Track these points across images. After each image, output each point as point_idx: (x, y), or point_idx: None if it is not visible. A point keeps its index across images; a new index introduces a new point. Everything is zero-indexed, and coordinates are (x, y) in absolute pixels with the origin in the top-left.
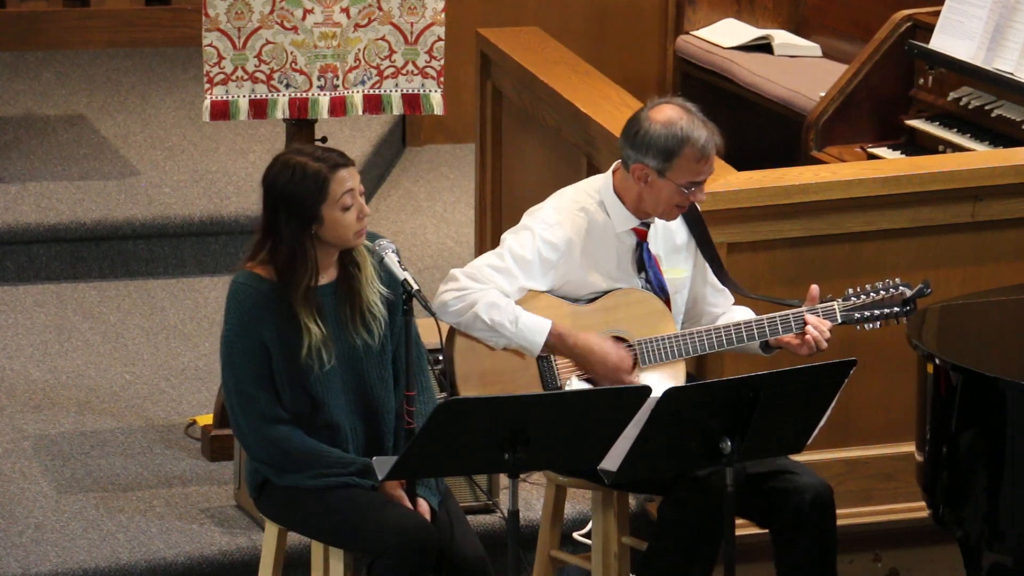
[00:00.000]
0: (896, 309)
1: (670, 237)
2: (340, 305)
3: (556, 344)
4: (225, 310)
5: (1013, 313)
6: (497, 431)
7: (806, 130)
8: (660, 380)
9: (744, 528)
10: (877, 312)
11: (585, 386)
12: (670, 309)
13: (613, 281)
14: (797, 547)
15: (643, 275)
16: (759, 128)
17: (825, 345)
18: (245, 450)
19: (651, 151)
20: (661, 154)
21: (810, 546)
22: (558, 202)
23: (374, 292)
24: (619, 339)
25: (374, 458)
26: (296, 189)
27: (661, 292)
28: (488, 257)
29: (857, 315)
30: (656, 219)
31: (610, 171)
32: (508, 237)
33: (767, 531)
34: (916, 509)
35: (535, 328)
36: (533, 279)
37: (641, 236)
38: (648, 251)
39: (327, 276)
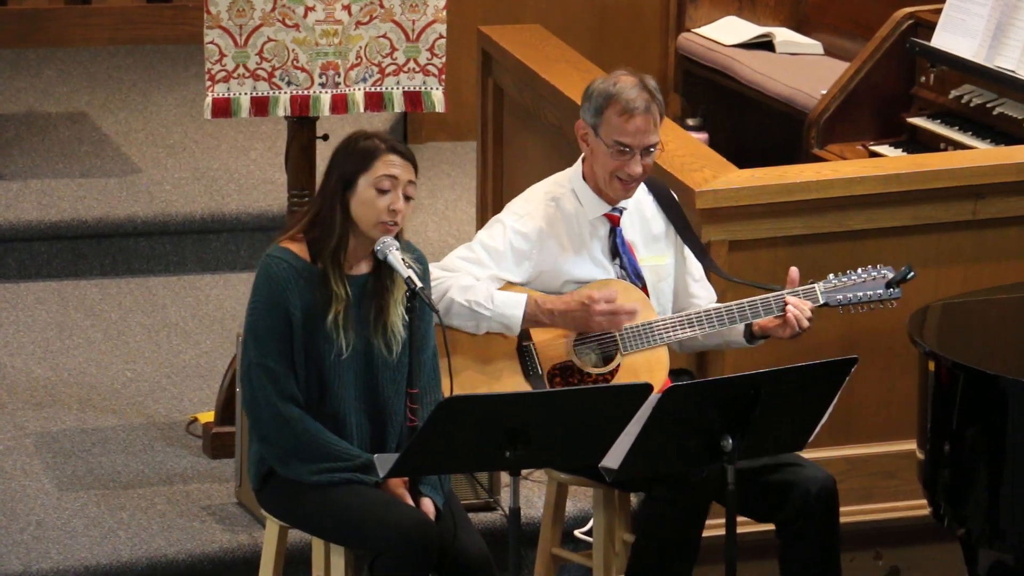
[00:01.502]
0: (880, 292)
1: (647, 226)
2: (365, 302)
3: (535, 314)
4: (254, 282)
5: (1014, 311)
6: (498, 429)
7: (807, 128)
8: (643, 366)
9: (745, 526)
10: (860, 294)
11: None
12: (648, 296)
13: (589, 269)
14: (803, 539)
15: (617, 261)
16: (761, 126)
17: (807, 324)
18: (254, 428)
19: (588, 106)
20: (593, 108)
21: (816, 538)
22: (529, 195)
23: (399, 315)
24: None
25: (375, 455)
26: (346, 154)
27: (637, 279)
28: (459, 251)
29: (840, 296)
30: (631, 205)
31: (579, 159)
32: (480, 232)
33: (767, 529)
34: (917, 507)
35: (512, 302)
36: (507, 270)
37: (614, 222)
38: (622, 237)
39: (359, 268)
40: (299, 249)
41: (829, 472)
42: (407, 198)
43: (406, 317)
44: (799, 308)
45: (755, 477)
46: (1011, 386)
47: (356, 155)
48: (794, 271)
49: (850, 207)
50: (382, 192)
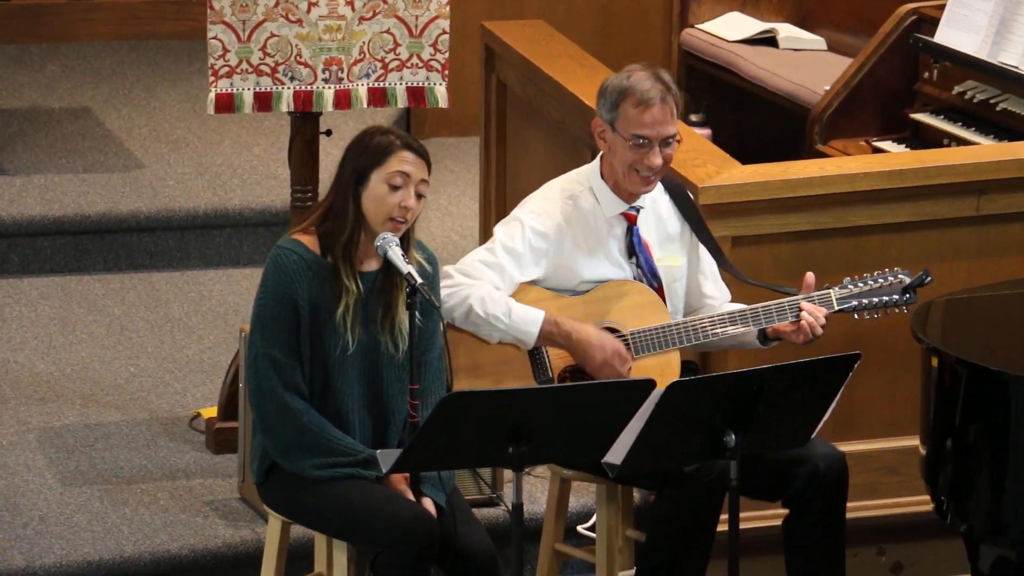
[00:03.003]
0: (895, 297)
1: (662, 226)
2: (374, 299)
3: (551, 334)
4: (263, 273)
5: (1018, 307)
6: (501, 424)
7: (811, 124)
8: (654, 370)
9: (748, 521)
10: (876, 300)
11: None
12: (663, 297)
13: (604, 267)
14: (810, 513)
15: (634, 260)
16: (764, 122)
17: (820, 331)
18: (259, 419)
19: (604, 103)
20: (609, 104)
21: (823, 514)
22: (547, 192)
23: (406, 313)
24: (611, 330)
25: (378, 451)
26: (362, 148)
27: (653, 278)
28: (479, 252)
29: (854, 302)
30: (647, 204)
31: (598, 158)
32: (498, 230)
33: (770, 524)
34: (920, 503)
35: (529, 319)
36: (525, 270)
37: (631, 221)
38: (639, 236)
39: (368, 264)
40: (310, 242)
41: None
42: (418, 196)
43: (417, 318)
44: (814, 315)
45: (764, 456)
46: (1014, 382)
47: (371, 150)
48: (810, 276)
49: (853, 203)
50: (394, 188)
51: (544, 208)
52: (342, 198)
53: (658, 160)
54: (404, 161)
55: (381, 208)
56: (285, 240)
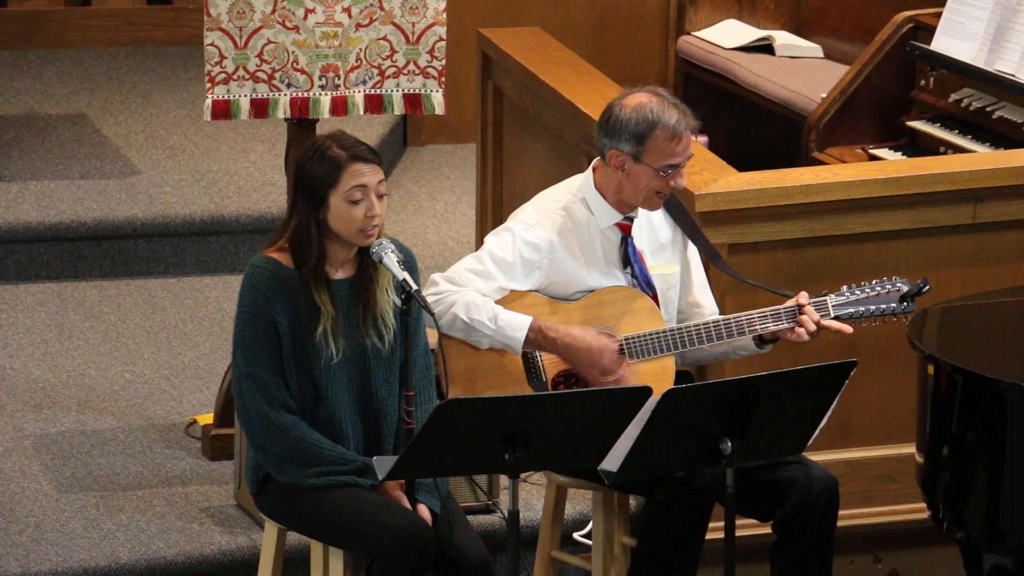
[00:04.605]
0: (893, 305)
1: (654, 234)
2: (353, 303)
3: (538, 338)
4: (240, 293)
5: (1014, 314)
6: (498, 431)
7: (807, 131)
8: (649, 375)
9: (744, 529)
10: (873, 307)
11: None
12: (658, 305)
13: (599, 278)
14: (799, 537)
15: (628, 270)
16: (760, 129)
17: (807, 337)
18: (248, 437)
19: (624, 136)
20: (634, 138)
21: (812, 536)
22: (539, 203)
23: (388, 301)
24: (606, 335)
25: (374, 458)
26: (312, 170)
27: (647, 287)
28: (467, 261)
29: (851, 310)
30: (639, 214)
31: (590, 168)
32: (489, 239)
33: (766, 532)
34: (916, 510)
35: (515, 324)
36: (515, 280)
37: (625, 231)
38: (633, 246)
39: (344, 271)
40: (283, 258)
41: (832, 473)
42: (380, 197)
43: (396, 302)
44: (811, 317)
45: (758, 475)
46: (1010, 389)
47: (321, 172)
48: (803, 295)
49: (850, 210)
50: (355, 203)
51: (536, 219)
52: (304, 221)
53: (683, 180)
54: (358, 174)
55: (350, 224)
56: (258, 259)
